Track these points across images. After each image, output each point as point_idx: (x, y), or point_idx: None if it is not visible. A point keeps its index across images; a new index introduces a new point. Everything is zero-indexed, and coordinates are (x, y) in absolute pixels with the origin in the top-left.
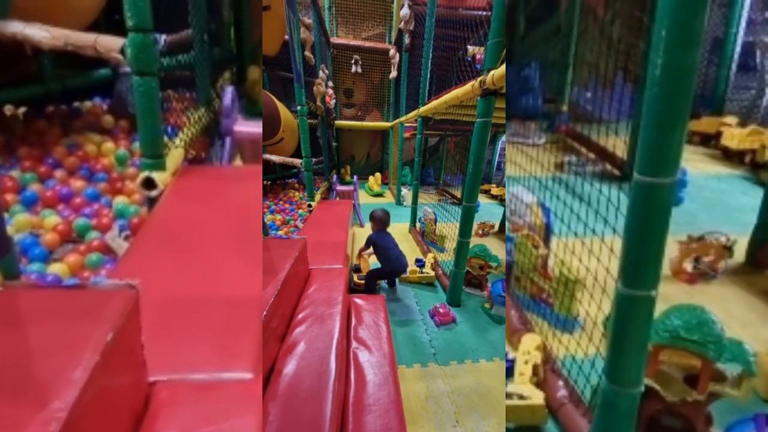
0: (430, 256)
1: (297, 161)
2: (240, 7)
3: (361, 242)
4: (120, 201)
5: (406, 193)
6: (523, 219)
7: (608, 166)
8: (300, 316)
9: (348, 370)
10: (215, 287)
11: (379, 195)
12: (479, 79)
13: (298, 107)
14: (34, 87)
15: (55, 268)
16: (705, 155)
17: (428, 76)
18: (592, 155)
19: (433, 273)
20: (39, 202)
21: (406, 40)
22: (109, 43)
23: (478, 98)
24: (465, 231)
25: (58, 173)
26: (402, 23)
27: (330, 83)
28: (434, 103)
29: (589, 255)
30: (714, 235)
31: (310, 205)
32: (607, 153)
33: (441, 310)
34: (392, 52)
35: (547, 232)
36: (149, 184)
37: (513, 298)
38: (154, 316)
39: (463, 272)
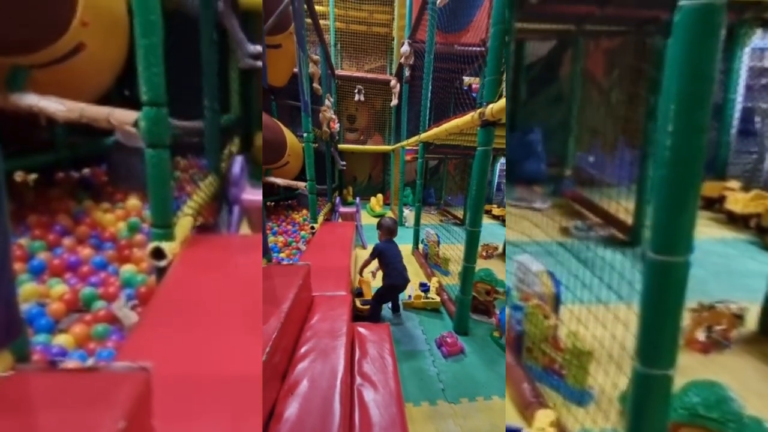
0: (434, 280)
1: (301, 184)
2: (247, 77)
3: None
4: (127, 270)
5: (408, 213)
6: (532, 288)
7: (614, 231)
8: (303, 350)
9: (352, 411)
10: (223, 364)
11: (381, 216)
12: (479, 111)
13: (305, 134)
14: (46, 155)
15: (61, 340)
16: (710, 219)
17: (428, 105)
18: (597, 220)
19: (438, 298)
20: (46, 270)
21: (407, 72)
22: (123, 117)
23: (478, 128)
24: (470, 256)
25: (66, 241)
26: (403, 58)
27: (330, 105)
28: (435, 130)
29: (598, 323)
30: (725, 303)
31: (312, 227)
32: (613, 218)
33: (448, 340)
34: (393, 82)
35: (557, 301)
36: (158, 254)
37: (525, 369)
38: (161, 394)
39: (470, 298)
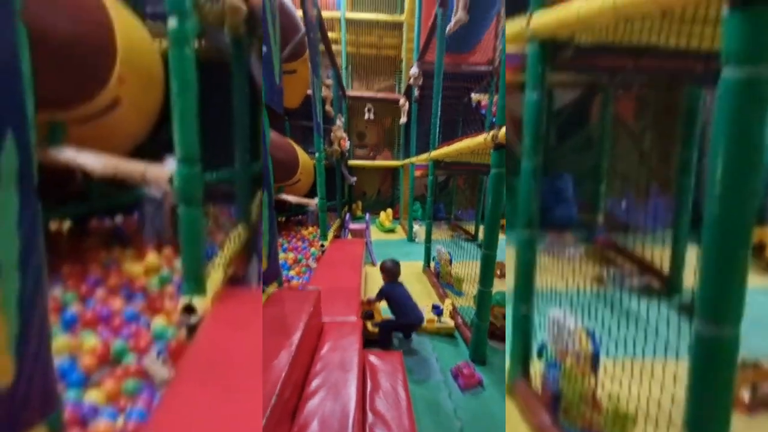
0: (447, 302)
1: (312, 202)
2: None
3: (373, 283)
4: (158, 322)
5: (418, 229)
6: (568, 346)
7: (650, 280)
8: (313, 385)
9: None
10: (257, 425)
11: (391, 231)
12: (491, 133)
13: (317, 153)
14: (81, 205)
15: (92, 396)
16: (750, 268)
17: (438, 124)
18: (632, 268)
19: (452, 323)
20: (78, 322)
21: (416, 92)
22: (158, 173)
23: (491, 150)
24: (486, 280)
25: (99, 292)
26: (412, 79)
27: (341, 127)
28: (446, 149)
29: (640, 382)
30: None
31: (322, 245)
32: (649, 266)
33: (465, 371)
34: (402, 101)
35: (595, 359)
36: (189, 310)
37: (562, 431)
38: None
39: (487, 325)
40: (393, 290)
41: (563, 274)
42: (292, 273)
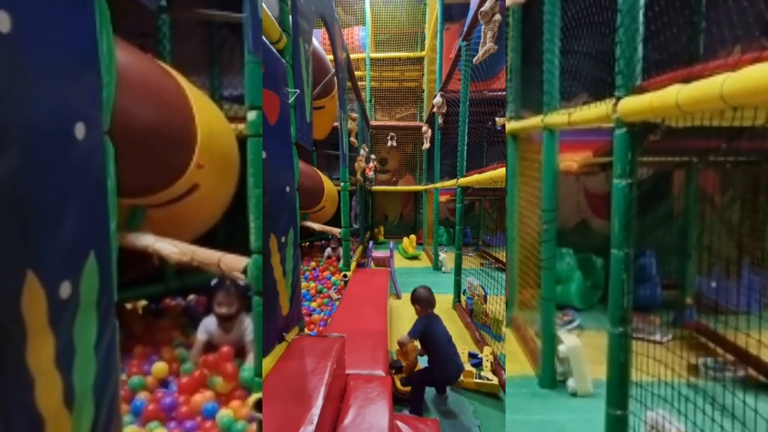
0: (487, 351)
1: (336, 230)
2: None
3: (398, 318)
4: (225, 414)
5: (444, 257)
6: None
7: (750, 370)
8: None
9: None
10: None
11: (415, 258)
12: None
13: (342, 183)
14: (156, 286)
15: None
16: None
17: (464, 151)
18: (729, 357)
19: (495, 379)
20: (146, 410)
21: (440, 120)
22: (233, 263)
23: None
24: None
25: (168, 378)
26: (435, 108)
27: (372, 156)
28: (478, 176)
29: None
30: None
31: (345, 275)
32: (747, 354)
33: None
34: (425, 128)
35: None
36: (261, 406)
37: None
38: None
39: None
40: (431, 326)
41: (652, 362)
42: (313, 305)
